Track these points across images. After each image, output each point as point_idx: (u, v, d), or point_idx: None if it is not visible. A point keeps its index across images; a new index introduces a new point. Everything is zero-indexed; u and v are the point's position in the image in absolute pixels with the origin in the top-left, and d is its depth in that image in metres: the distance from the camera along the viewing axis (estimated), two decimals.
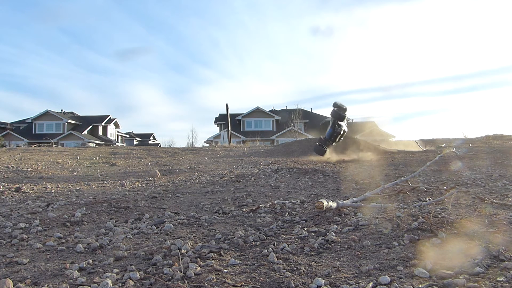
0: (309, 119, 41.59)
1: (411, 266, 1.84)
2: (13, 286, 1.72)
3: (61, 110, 45.09)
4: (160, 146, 45.18)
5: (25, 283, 1.76)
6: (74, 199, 4.08)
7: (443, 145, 12.49)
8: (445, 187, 4.32)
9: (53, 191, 4.90)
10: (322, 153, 10.14)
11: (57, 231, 2.70)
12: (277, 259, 2.00)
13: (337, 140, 10.26)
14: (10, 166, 7.56)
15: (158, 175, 6.52)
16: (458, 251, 1.98)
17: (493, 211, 2.99)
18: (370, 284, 1.63)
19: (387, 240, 2.28)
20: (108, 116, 46.29)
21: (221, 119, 41.42)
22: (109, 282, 1.70)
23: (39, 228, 2.79)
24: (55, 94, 79.39)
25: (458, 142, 13.72)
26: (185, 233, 2.60)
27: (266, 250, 2.16)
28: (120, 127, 50.13)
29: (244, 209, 3.48)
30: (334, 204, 3.09)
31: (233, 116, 38.26)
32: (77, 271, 1.89)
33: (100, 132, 44.64)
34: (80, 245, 2.31)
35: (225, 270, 1.86)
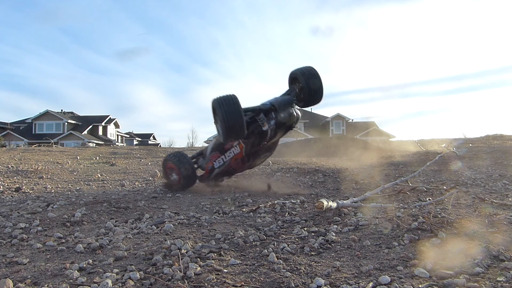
0: (309, 119, 41.58)
1: (411, 266, 1.84)
2: (13, 286, 1.72)
3: (61, 110, 45.08)
4: (160, 146, 45.18)
5: (25, 283, 1.76)
6: (74, 199, 4.08)
7: (443, 145, 12.49)
8: (445, 187, 4.32)
9: (53, 191, 4.90)
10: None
11: (57, 231, 2.70)
12: (277, 259, 2.00)
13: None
14: (10, 166, 7.56)
15: (158, 175, 6.52)
16: (458, 251, 1.98)
17: (493, 211, 2.99)
18: (370, 284, 1.63)
19: (387, 240, 2.28)
20: (108, 116, 46.28)
21: None
22: (109, 282, 1.69)
23: (39, 228, 2.79)
24: (55, 94, 79.62)
25: (458, 142, 13.70)
26: (185, 233, 2.60)
27: (266, 250, 2.16)
28: (120, 127, 50.13)
29: (244, 209, 3.48)
30: (334, 204, 3.09)
31: None
32: (77, 271, 1.89)
33: (100, 132, 44.63)
34: (80, 245, 2.31)
35: (225, 270, 1.86)
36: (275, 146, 5.05)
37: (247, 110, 4.36)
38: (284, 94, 4.82)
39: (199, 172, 5.04)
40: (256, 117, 4.45)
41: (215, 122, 4.25)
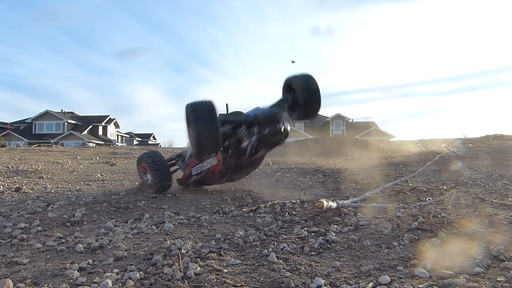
0: None
1: (411, 266, 1.84)
2: (13, 286, 1.72)
3: (61, 110, 45.08)
4: (160, 146, 45.17)
5: (25, 283, 1.76)
6: (74, 199, 4.08)
7: (443, 145, 12.49)
8: (445, 187, 4.32)
9: (53, 191, 4.90)
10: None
11: (57, 231, 2.70)
12: (277, 259, 2.00)
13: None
14: (10, 166, 7.55)
15: None
16: (458, 251, 1.98)
17: (493, 211, 2.99)
18: (370, 284, 1.63)
19: (387, 240, 2.28)
20: (108, 116, 46.28)
21: None
22: (109, 282, 1.69)
23: (39, 228, 2.79)
24: (55, 94, 79.77)
25: (458, 142, 13.69)
26: (185, 233, 2.60)
27: (266, 250, 2.16)
28: (120, 127, 50.14)
29: (244, 209, 3.48)
30: (334, 204, 3.09)
31: None
32: (77, 271, 1.89)
33: (100, 132, 44.63)
34: (80, 245, 2.31)
35: (225, 270, 1.86)
36: (260, 161, 4.61)
37: (226, 121, 3.87)
38: (274, 105, 4.21)
39: (179, 174, 4.75)
40: (236, 130, 3.88)
41: (187, 133, 3.63)
